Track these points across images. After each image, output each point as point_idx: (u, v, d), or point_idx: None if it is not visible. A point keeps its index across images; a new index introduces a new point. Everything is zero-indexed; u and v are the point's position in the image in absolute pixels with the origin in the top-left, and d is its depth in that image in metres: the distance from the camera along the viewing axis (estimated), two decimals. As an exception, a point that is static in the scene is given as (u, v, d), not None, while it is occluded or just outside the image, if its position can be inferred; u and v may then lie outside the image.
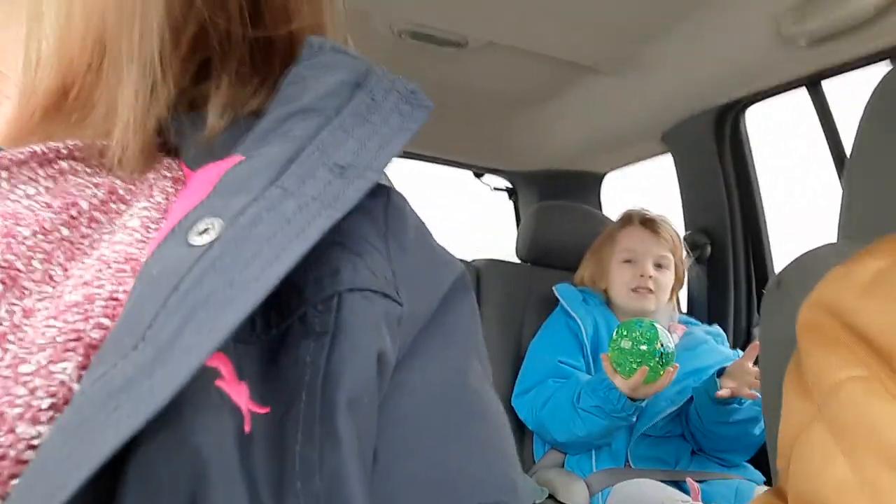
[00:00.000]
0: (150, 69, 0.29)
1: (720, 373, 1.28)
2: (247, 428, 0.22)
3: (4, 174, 0.27)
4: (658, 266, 1.46)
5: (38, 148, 0.27)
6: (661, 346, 1.24)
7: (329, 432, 0.23)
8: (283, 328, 0.26)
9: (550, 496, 1.30)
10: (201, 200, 0.25)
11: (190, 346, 0.20)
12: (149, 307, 0.21)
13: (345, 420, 0.23)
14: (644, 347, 1.23)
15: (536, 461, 1.45)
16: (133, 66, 0.29)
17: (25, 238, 0.25)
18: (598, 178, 2.22)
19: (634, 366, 1.24)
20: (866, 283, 0.45)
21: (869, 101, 0.73)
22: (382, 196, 0.32)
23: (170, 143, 0.32)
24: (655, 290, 1.44)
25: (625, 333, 1.27)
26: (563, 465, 1.39)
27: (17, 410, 0.20)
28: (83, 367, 0.22)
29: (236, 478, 0.21)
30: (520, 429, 1.49)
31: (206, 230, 0.24)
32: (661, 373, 1.23)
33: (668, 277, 1.46)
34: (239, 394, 0.22)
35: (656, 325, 1.28)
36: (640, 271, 1.45)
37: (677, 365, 1.24)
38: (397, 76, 0.31)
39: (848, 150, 0.76)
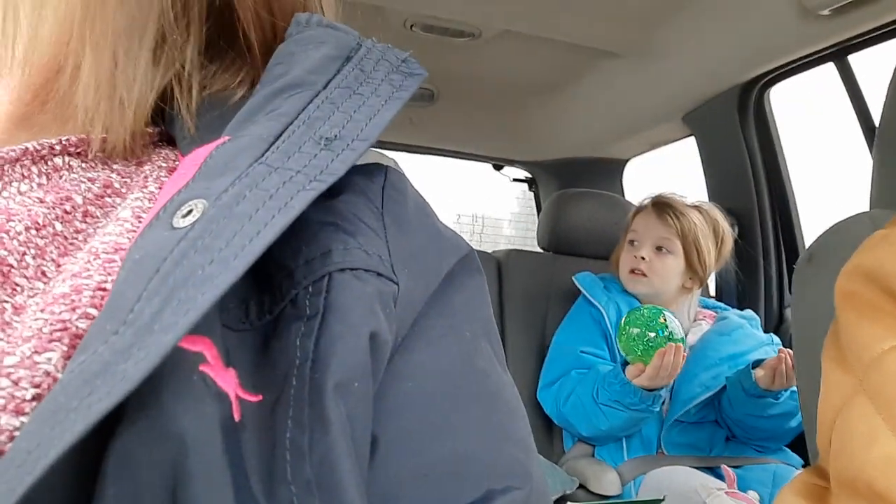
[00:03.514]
0: (120, 55, 0.29)
1: (755, 364, 1.26)
2: (236, 415, 0.21)
3: None
4: (659, 249, 1.41)
5: (30, 145, 0.27)
6: (669, 332, 1.24)
7: (318, 416, 0.22)
8: (276, 313, 0.25)
9: (581, 486, 1.28)
10: (186, 183, 0.25)
11: (167, 326, 0.19)
12: (130, 292, 0.21)
13: (334, 403, 0.23)
14: (652, 334, 1.25)
15: (566, 451, 1.43)
16: (102, 52, 0.28)
17: (18, 233, 0.24)
18: (619, 165, 2.18)
19: (642, 351, 1.24)
20: None
21: (898, 67, 0.70)
22: (380, 176, 0.31)
23: (171, 133, 0.32)
24: (650, 273, 1.40)
25: (632, 320, 1.29)
26: (593, 455, 1.38)
27: (0, 402, 0.20)
28: (69, 357, 0.21)
29: (219, 466, 0.20)
30: (548, 419, 1.47)
31: (189, 212, 0.23)
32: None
33: (670, 262, 1.40)
34: (225, 379, 0.22)
35: (664, 311, 1.28)
36: (636, 252, 1.43)
37: (680, 345, 1.22)
38: (388, 46, 0.31)
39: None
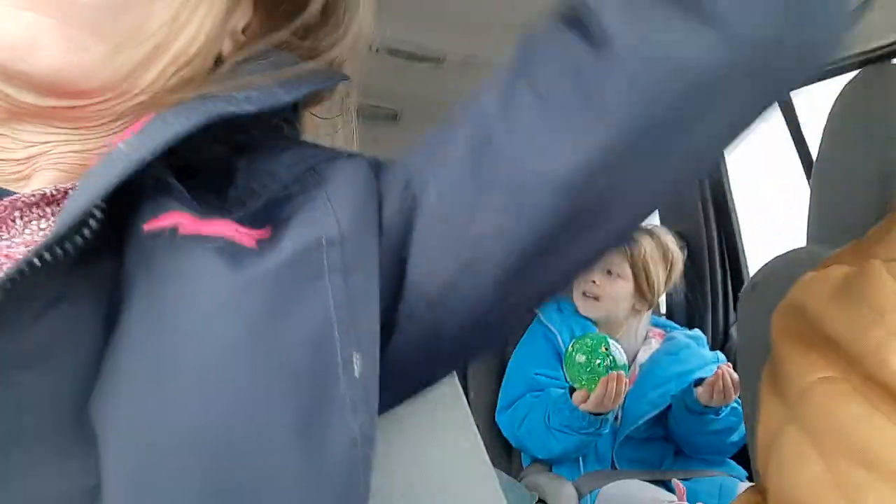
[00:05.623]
0: None
1: (697, 383, 1.31)
2: (246, 243, 0.28)
3: (17, 213, 0.30)
4: (609, 272, 1.45)
5: (47, 190, 0.30)
6: (612, 360, 1.31)
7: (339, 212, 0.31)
8: (265, 196, 0.32)
9: (541, 500, 1.32)
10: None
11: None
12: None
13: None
14: (597, 362, 1.31)
15: (525, 466, 1.47)
16: None
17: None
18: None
19: (587, 379, 1.29)
20: (834, 289, 0.47)
21: (832, 108, 0.75)
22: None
23: None
24: (601, 297, 1.44)
25: (578, 348, 1.34)
26: (551, 469, 1.41)
27: None
28: None
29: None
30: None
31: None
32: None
33: (619, 285, 1.44)
34: (211, 226, 0.27)
35: (607, 339, 1.34)
36: (587, 276, 1.46)
37: (622, 373, 1.28)
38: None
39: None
